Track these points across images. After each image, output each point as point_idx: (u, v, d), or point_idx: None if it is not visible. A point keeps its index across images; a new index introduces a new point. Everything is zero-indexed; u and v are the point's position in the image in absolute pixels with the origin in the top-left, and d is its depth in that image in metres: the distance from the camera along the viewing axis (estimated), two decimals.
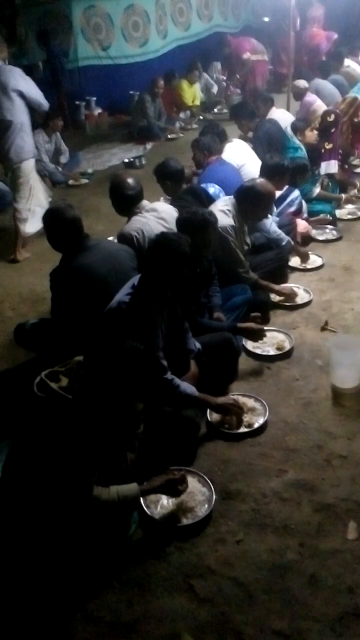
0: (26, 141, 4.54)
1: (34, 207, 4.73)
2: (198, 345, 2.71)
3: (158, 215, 3.28)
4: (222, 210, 3.39)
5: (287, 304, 3.65)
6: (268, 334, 3.23)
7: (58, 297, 2.77)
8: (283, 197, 4.29)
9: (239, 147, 4.74)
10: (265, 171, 3.93)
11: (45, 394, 2.01)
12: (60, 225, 2.74)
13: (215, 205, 3.51)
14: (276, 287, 3.64)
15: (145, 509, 2.19)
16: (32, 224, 4.69)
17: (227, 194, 3.94)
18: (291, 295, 3.67)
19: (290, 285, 3.81)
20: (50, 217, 2.80)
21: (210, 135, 4.55)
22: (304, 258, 4.17)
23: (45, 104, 4.59)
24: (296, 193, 4.37)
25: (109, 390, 1.97)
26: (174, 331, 2.62)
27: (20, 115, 4.41)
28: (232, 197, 3.50)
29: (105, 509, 1.95)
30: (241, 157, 4.61)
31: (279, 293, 3.65)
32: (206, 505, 2.21)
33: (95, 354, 2.05)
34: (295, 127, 5.08)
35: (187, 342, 2.70)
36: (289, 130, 5.05)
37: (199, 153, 4.42)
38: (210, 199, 3.69)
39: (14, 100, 4.35)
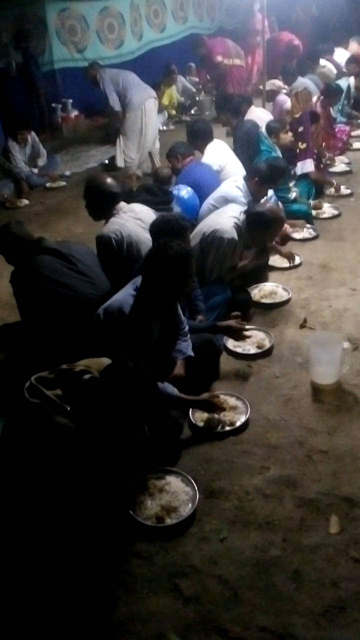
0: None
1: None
2: (191, 352, 2.72)
3: (135, 215, 3.28)
4: (233, 221, 3.41)
5: (267, 301, 3.68)
6: (248, 332, 3.24)
7: (22, 299, 2.82)
8: None
9: (219, 148, 4.77)
10: (253, 175, 3.98)
11: (40, 400, 1.97)
12: (10, 241, 2.86)
13: (228, 211, 3.54)
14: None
15: (129, 511, 2.19)
16: None
17: (201, 195, 3.98)
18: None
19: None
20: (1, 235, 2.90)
21: (180, 142, 4.62)
22: (289, 257, 4.13)
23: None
24: (270, 192, 4.40)
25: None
26: (169, 333, 2.63)
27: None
28: (243, 211, 3.52)
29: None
30: (222, 158, 4.65)
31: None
32: (190, 505, 2.22)
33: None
34: (270, 129, 5.11)
35: (179, 344, 2.70)
36: (263, 132, 5.09)
37: (173, 159, 4.46)
38: (166, 192, 3.69)
39: None
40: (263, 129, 5.08)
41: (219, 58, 8.34)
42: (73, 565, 2.03)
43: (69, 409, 1.95)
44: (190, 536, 2.13)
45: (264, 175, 3.94)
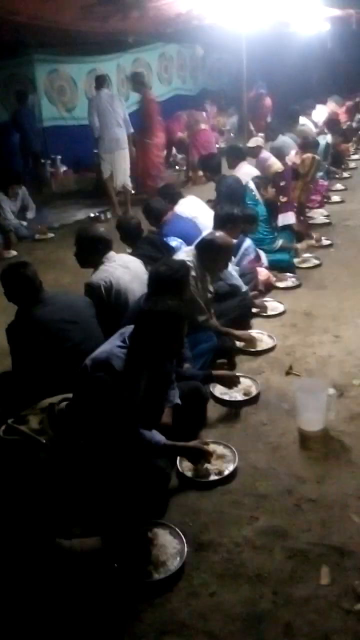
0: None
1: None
2: (178, 400, 2.72)
3: (124, 264, 3.37)
4: (185, 260, 3.47)
5: (251, 349, 3.72)
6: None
7: (17, 350, 2.80)
8: (237, 247, 4.35)
9: (191, 202, 4.98)
10: (217, 221, 4.07)
11: (16, 436, 1.98)
12: (17, 279, 2.85)
13: (177, 255, 3.60)
14: (237, 332, 3.71)
15: (115, 565, 2.13)
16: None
17: (188, 244, 4.07)
18: (251, 341, 3.74)
19: (249, 331, 3.89)
20: (8, 273, 2.89)
21: (157, 200, 4.76)
22: (263, 309, 4.26)
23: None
24: (248, 242, 4.52)
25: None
26: (158, 384, 2.63)
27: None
28: (193, 247, 3.59)
29: (67, 558, 1.92)
30: (194, 210, 4.80)
31: (239, 339, 3.72)
32: (178, 559, 2.17)
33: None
34: (257, 183, 5.31)
35: (168, 394, 2.71)
36: (250, 185, 5.27)
37: (151, 219, 4.57)
38: (168, 248, 3.78)
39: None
40: (250, 183, 5.26)
41: (180, 134, 8.77)
42: (57, 623, 1.96)
43: (44, 441, 1.95)
44: (179, 591, 2.08)
45: (233, 220, 4.01)
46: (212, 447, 2.73)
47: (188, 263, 3.43)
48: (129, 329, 2.44)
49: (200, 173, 7.44)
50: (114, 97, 7.41)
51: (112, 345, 2.39)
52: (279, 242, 5.06)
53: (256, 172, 5.99)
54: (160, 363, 2.55)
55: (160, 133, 8.20)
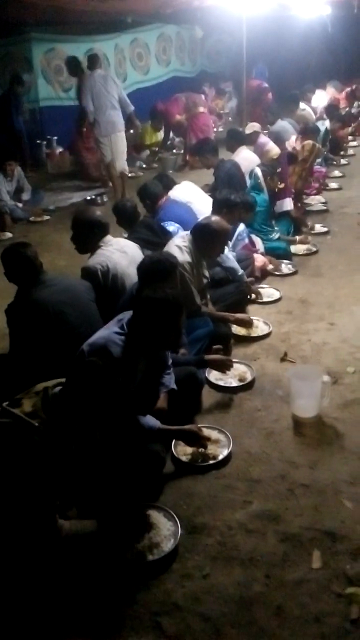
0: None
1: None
2: (174, 385, 2.72)
3: (120, 248, 3.35)
4: (179, 246, 3.44)
5: (248, 333, 3.73)
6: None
7: (16, 331, 2.80)
8: (231, 232, 4.27)
9: (186, 187, 4.92)
10: (215, 206, 4.04)
11: (9, 419, 1.97)
12: (18, 259, 2.83)
13: (173, 241, 3.58)
14: (232, 317, 3.71)
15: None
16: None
17: (184, 229, 4.05)
18: (248, 322, 3.73)
19: (245, 315, 3.87)
20: (9, 253, 2.87)
21: (154, 183, 4.71)
22: (258, 296, 4.26)
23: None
24: (242, 226, 4.48)
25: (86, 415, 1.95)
26: (154, 369, 2.63)
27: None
28: (188, 233, 3.57)
29: (65, 541, 1.93)
30: (188, 195, 4.76)
31: (235, 322, 3.72)
32: (172, 540, 2.19)
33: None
34: (264, 172, 5.24)
35: (163, 378, 2.71)
36: (257, 172, 5.20)
37: (146, 203, 4.53)
38: (165, 232, 3.75)
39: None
40: (257, 170, 5.21)
41: (178, 117, 8.66)
42: (52, 603, 1.98)
43: (36, 424, 1.95)
44: (173, 573, 2.11)
45: (230, 205, 3.99)
46: (207, 432, 2.75)
47: (183, 249, 3.43)
48: (127, 314, 2.43)
49: None
50: (107, 77, 6.98)
51: (110, 332, 2.37)
52: (277, 235, 5.05)
53: (255, 157, 5.96)
54: (158, 351, 2.55)
55: None
